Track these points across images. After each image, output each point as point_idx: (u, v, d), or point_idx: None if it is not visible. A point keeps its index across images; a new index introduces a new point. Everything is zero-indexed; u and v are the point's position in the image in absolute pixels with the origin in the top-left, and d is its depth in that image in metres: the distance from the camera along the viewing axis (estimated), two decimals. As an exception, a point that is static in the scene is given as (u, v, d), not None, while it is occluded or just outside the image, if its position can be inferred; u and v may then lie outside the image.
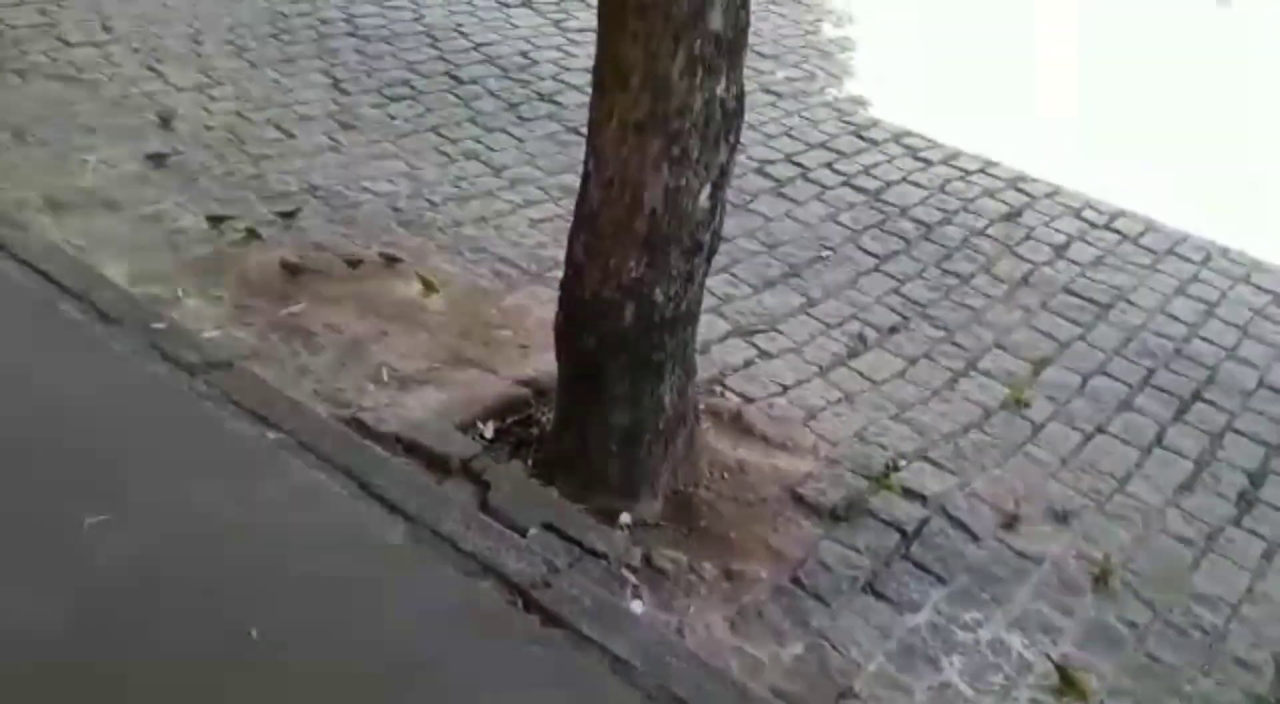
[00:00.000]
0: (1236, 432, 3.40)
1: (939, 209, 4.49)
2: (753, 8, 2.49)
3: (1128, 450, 3.23)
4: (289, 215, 3.74)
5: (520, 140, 4.56)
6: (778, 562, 2.61)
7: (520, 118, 4.75)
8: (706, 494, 2.78)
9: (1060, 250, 4.31)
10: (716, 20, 2.36)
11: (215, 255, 3.46)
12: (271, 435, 2.71)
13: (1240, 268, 4.39)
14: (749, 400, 3.17)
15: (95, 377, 2.81)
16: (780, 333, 3.53)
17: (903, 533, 2.75)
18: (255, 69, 4.73)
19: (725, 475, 2.85)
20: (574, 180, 4.06)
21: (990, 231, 4.37)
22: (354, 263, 3.51)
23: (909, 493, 2.88)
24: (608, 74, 2.45)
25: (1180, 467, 3.21)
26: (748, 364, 3.35)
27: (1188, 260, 4.39)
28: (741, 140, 2.61)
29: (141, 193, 3.71)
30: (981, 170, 4.88)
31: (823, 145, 4.91)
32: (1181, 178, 5.06)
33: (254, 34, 5.04)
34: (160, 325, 3.00)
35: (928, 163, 4.89)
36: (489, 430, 2.93)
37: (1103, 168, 4.99)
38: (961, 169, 4.87)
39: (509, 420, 2.97)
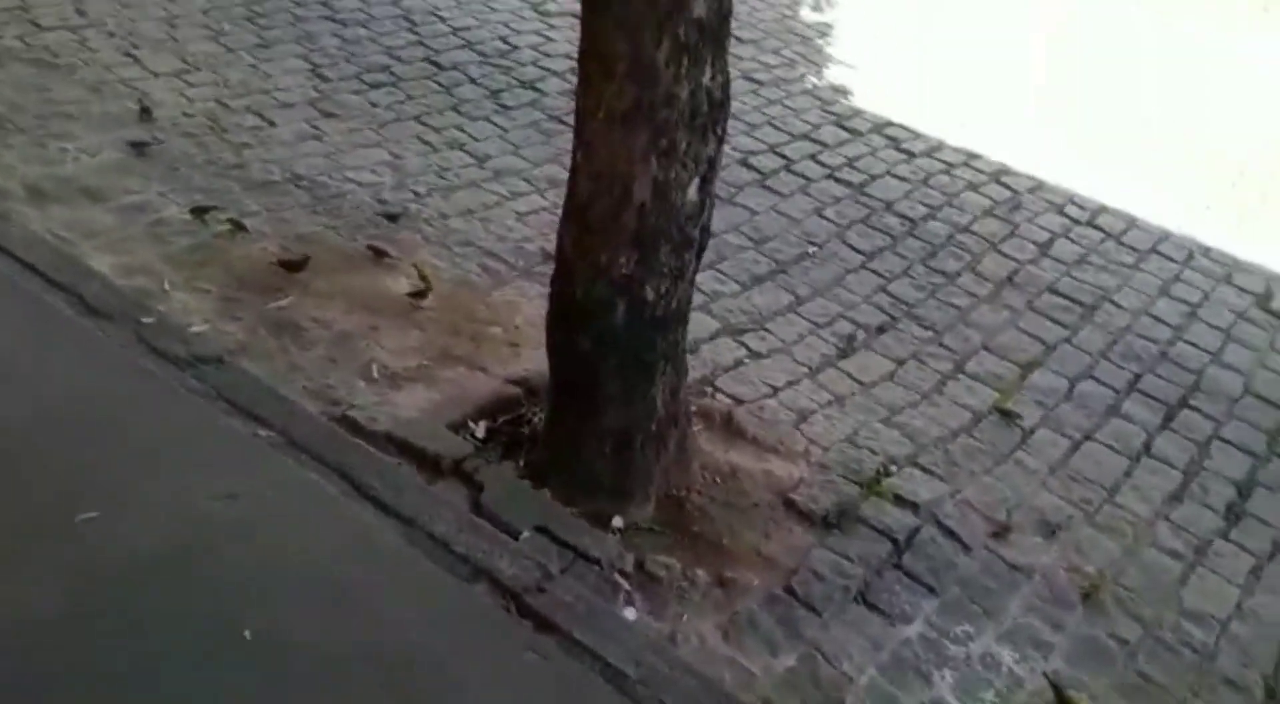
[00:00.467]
0: (1224, 440, 3.44)
1: (923, 204, 4.50)
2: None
3: (1116, 459, 3.26)
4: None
5: (504, 129, 4.53)
6: (770, 569, 2.62)
7: (502, 106, 4.71)
8: (699, 499, 2.79)
9: (1044, 248, 4.34)
10: (699, 7, 2.34)
11: (200, 247, 3.42)
12: (263, 433, 2.69)
13: (1222, 268, 4.45)
14: (740, 402, 3.18)
15: (85, 371, 2.78)
16: (769, 332, 3.53)
17: (894, 542, 2.77)
18: (232, 54, 4.66)
19: (717, 479, 2.86)
20: (559, 171, 4.06)
21: (975, 228, 4.39)
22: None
23: (900, 500, 2.90)
24: (592, 63, 2.43)
25: (1169, 476, 3.24)
26: (738, 364, 3.35)
27: (1170, 259, 4.44)
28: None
29: (124, 182, 3.65)
30: (965, 163, 4.90)
31: (806, 136, 4.90)
32: (1163, 174, 5.11)
33: (229, 18, 4.96)
34: (149, 319, 2.96)
35: (911, 155, 4.90)
36: (480, 430, 2.91)
37: (1084, 162, 5.03)
38: (945, 162, 4.89)
39: (500, 420, 2.96)
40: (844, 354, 3.50)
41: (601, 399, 2.67)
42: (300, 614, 2.26)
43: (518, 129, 4.55)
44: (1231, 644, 2.71)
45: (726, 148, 2.67)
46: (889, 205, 4.46)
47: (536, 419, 2.94)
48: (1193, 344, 3.90)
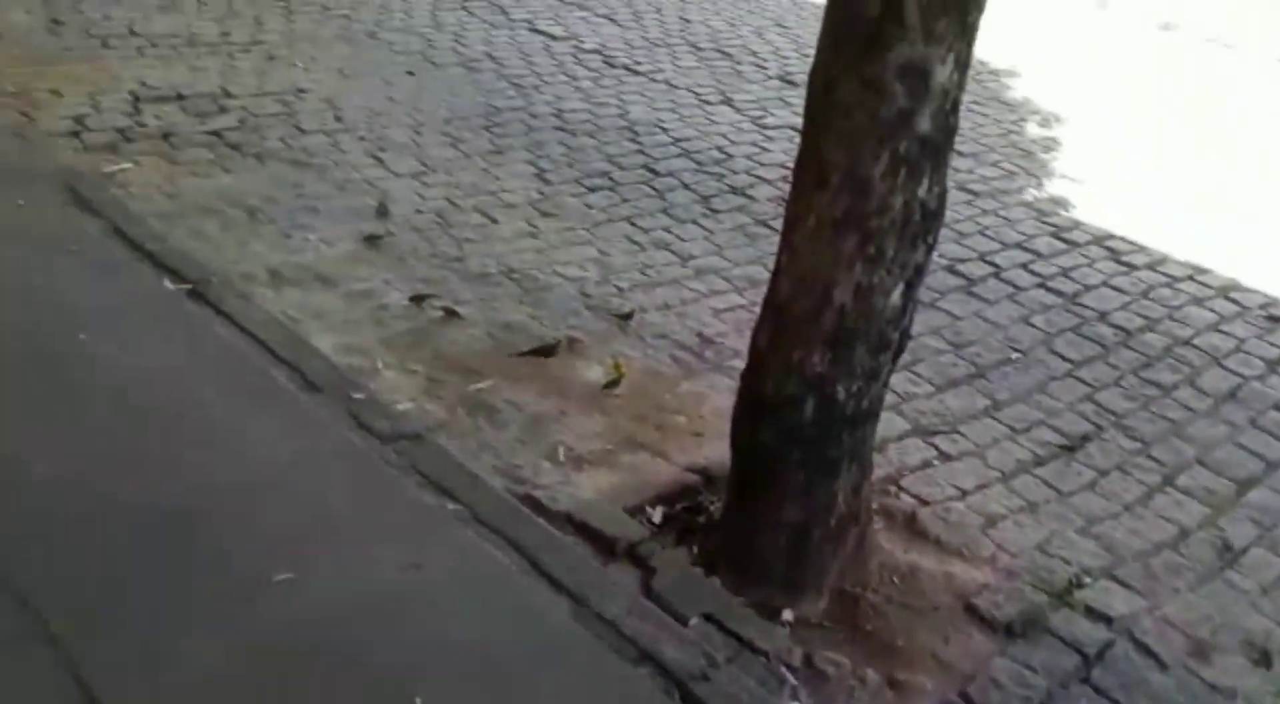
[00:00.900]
0: None
1: (1141, 316, 4.29)
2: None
3: (1341, 586, 2.95)
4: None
5: (710, 232, 4.66)
6: (946, 674, 2.50)
7: (712, 210, 4.85)
8: (874, 597, 2.71)
9: (1274, 365, 4.04)
10: (925, 123, 2.36)
11: (416, 331, 3.66)
12: (450, 506, 2.82)
13: None
14: (925, 503, 3.09)
15: (298, 440, 3.01)
16: (962, 435, 3.43)
17: (1083, 655, 2.59)
18: (467, 159, 5.03)
19: (895, 579, 2.77)
20: (760, 272, 4.14)
21: (1196, 342, 4.13)
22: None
23: (1093, 613, 2.72)
24: (808, 173, 2.48)
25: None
26: (925, 465, 3.27)
27: None
28: (936, 238, 2.59)
29: (355, 270, 3.97)
30: (1190, 277, 4.65)
31: (1019, 245, 4.80)
32: None
33: (469, 126, 5.36)
34: (359, 395, 3.18)
35: (1131, 267, 4.70)
36: (657, 515, 2.95)
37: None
38: (1168, 275, 4.66)
39: (678, 507, 2.98)
40: (1041, 461, 3.34)
41: (781, 492, 2.67)
42: (470, 684, 2.31)
43: (724, 232, 4.67)
44: None
45: (934, 254, 2.66)
46: (1103, 316, 4.27)
47: (714, 508, 2.95)
48: None
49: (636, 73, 6.39)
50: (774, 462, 2.65)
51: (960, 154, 5.57)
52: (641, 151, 5.36)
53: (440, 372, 3.46)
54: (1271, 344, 4.19)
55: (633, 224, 4.65)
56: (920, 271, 2.54)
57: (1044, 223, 5.04)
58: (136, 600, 2.37)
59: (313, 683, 2.25)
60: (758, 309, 2.70)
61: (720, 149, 5.51)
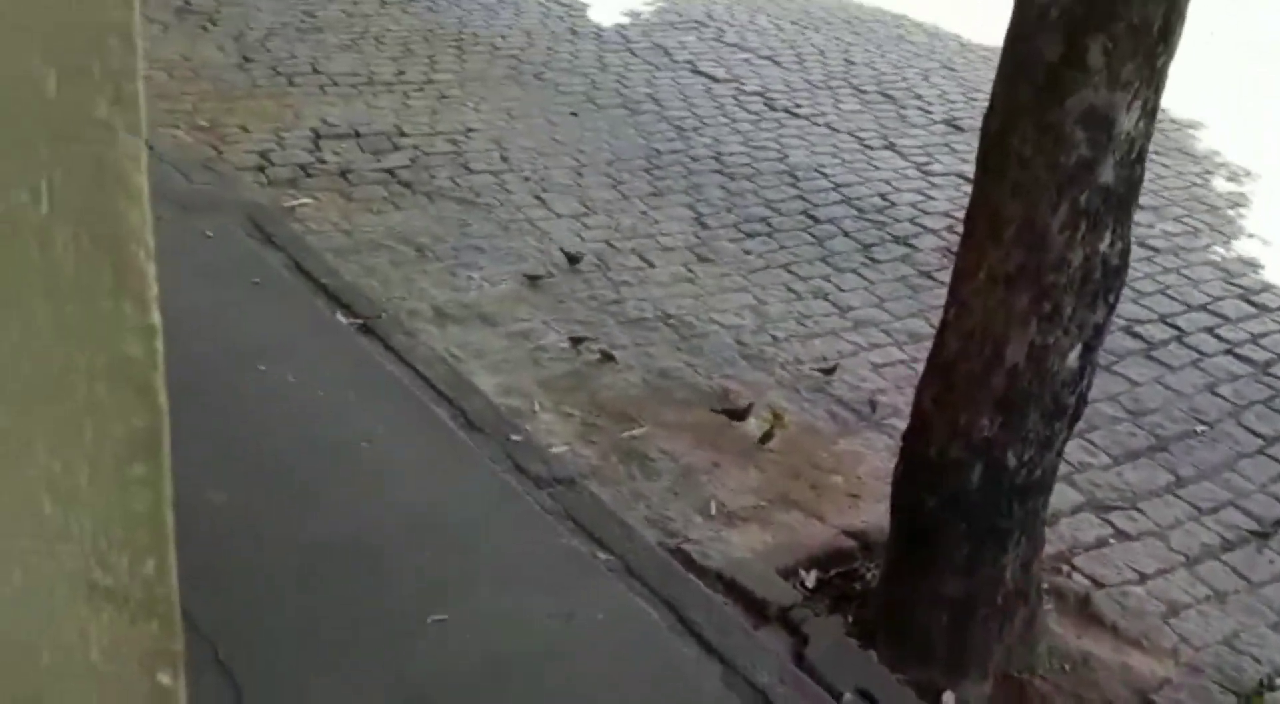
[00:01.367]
0: None
1: (1341, 389, 3.98)
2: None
3: None
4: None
5: (870, 282, 4.55)
6: (1120, 775, 2.34)
7: (872, 259, 4.74)
8: (1042, 685, 2.56)
9: None
10: (1108, 174, 2.24)
11: (572, 373, 3.68)
12: (602, 556, 2.80)
13: None
14: (1100, 585, 2.91)
15: (457, 479, 3.05)
16: (1141, 513, 3.23)
17: (1275, 766, 2.39)
18: (627, 201, 5.06)
19: (1066, 667, 2.62)
20: (922, 326, 4.02)
21: (1405, 420, 3.81)
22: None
23: (1286, 719, 2.51)
24: (980, 224, 2.39)
25: None
26: (1101, 544, 3.09)
27: None
28: (1116, 298, 2.45)
29: (516, 310, 4.03)
30: (1393, 348, 4.29)
31: (1204, 307, 4.53)
32: None
33: (629, 168, 5.40)
34: (517, 437, 3.21)
35: (1329, 336, 4.37)
36: (811, 580, 2.87)
37: None
38: (1369, 345, 4.31)
39: (832, 572, 2.90)
40: (1230, 547, 3.11)
41: (945, 563, 2.56)
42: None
43: (885, 282, 4.55)
44: None
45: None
46: (1298, 387, 3.98)
47: (870, 575, 2.85)
48: None
49: (797, 116, 6.33)
50: (937, 531, 2.55)
51: (1140, 207, 5.30)
52: (801, 197, 5.29)
53: (595, 416, 3.46)
54: None
55: (790, 272, 4.58)
56: (1100, 332, 2.41)
57: (1232, 284, 4.75)
58: (299, 633, 2.42)
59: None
60: (918, 365, 2.62)
61: (883, 196, 5.39)
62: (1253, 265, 4.97)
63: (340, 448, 3.06)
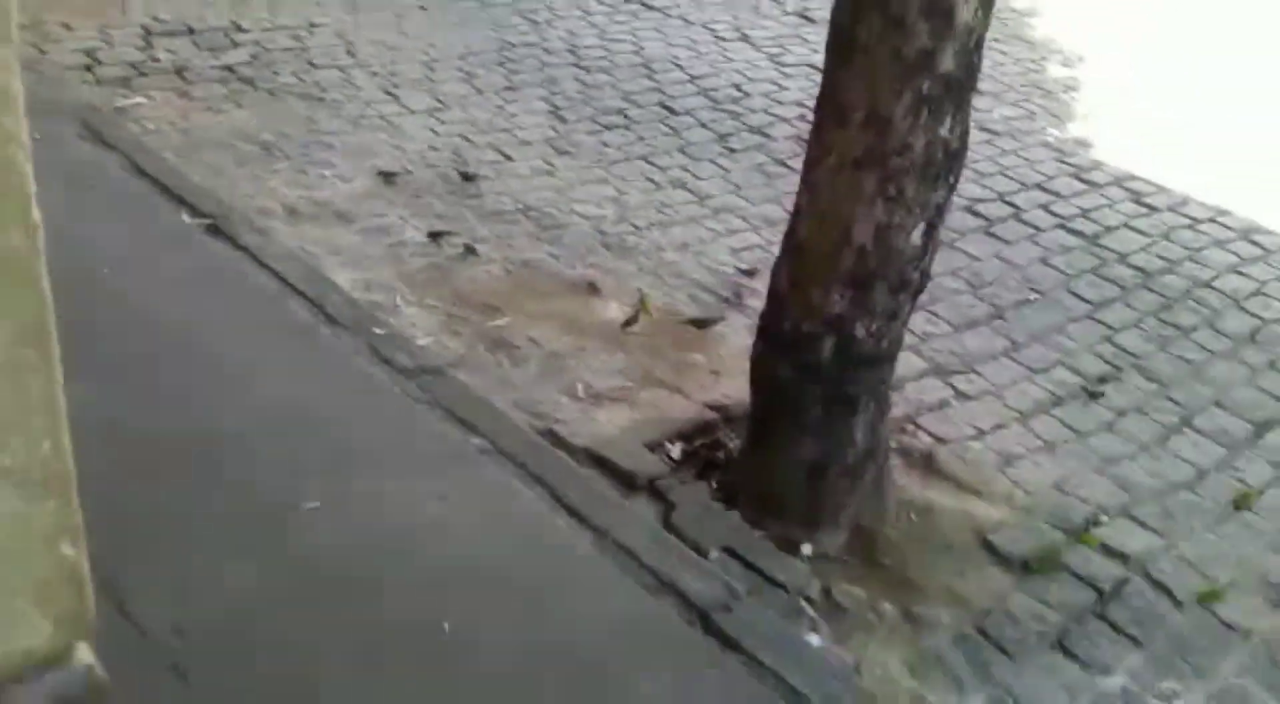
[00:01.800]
0: None
1: (1161, 257, 4.27)
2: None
3: (1359, 528, 2.97)
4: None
5: (727, 170, 4.62)
6: (962, 608, 2.54)
7: (729, 149, 4.81)
8: (892, 533, 2.74)
9: (1294, 307, 4.02)
10: (948, 62, 2.33)
11: (433, 268, 3.66)
12: (474, 440, 2.83)
13: None
14: (942, 442, 3.10)
15: (319, 374, 3.02)
16: (979, 375, 3.44)
17: (1099, 591, 2.62)
18: (481, 96, 4.98)
19: (912, 516, 2.80)
20: (777, 211, 4.12)
21: (1216, 284, 4.12)
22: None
23: (1108, 550, 2.75)
24: (829, 111, 2.46)
25: None
26: (943, 405, 3.28)
27: None
28: (955, 178, 2.57)
29: (371, 206, 3.96)
30: (1211, 219, 4.61)
31: (1039, 186, 4.76)
32: None
33: (483, 62, 5.30)
34: (380, 331, 3.19)
35: (1152, 209, 4.66)
36: (676, 451, 2.97)
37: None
38: (1189, 217, 4.62)
39: (697, 443, 3.00)
40: (1058, 401, 3.35)
41: (800, 429, 2.68)
42: (496, 612, 2.34)
43: (741, 171, 4.63)
44: None
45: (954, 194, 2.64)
46: (1123, 257, 4.25)
47: (733, 444, 2.97)
48: None
49: (652, 8, 6.30)
50: (793, 399, 2.66)
51: (980, 93, 5.49)
52: (657, 89, 5.30)
53: (459, 308, 3.46)
54: (1291, 286, 4.17)
55: (649, 163, 4.61)
56: (941, 212, 2.53)
57: (1064, 163, 4.99)
58: (170, 529, 2.40)
59: (342, 608, 2.29)
60: (775, 249, 2.70)
61: (737, 87, 5.44)
62: (1084, 145, 5.22)
63: (194, 347, 2.99)
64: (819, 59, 2.47)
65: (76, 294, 3.06)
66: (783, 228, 2.67)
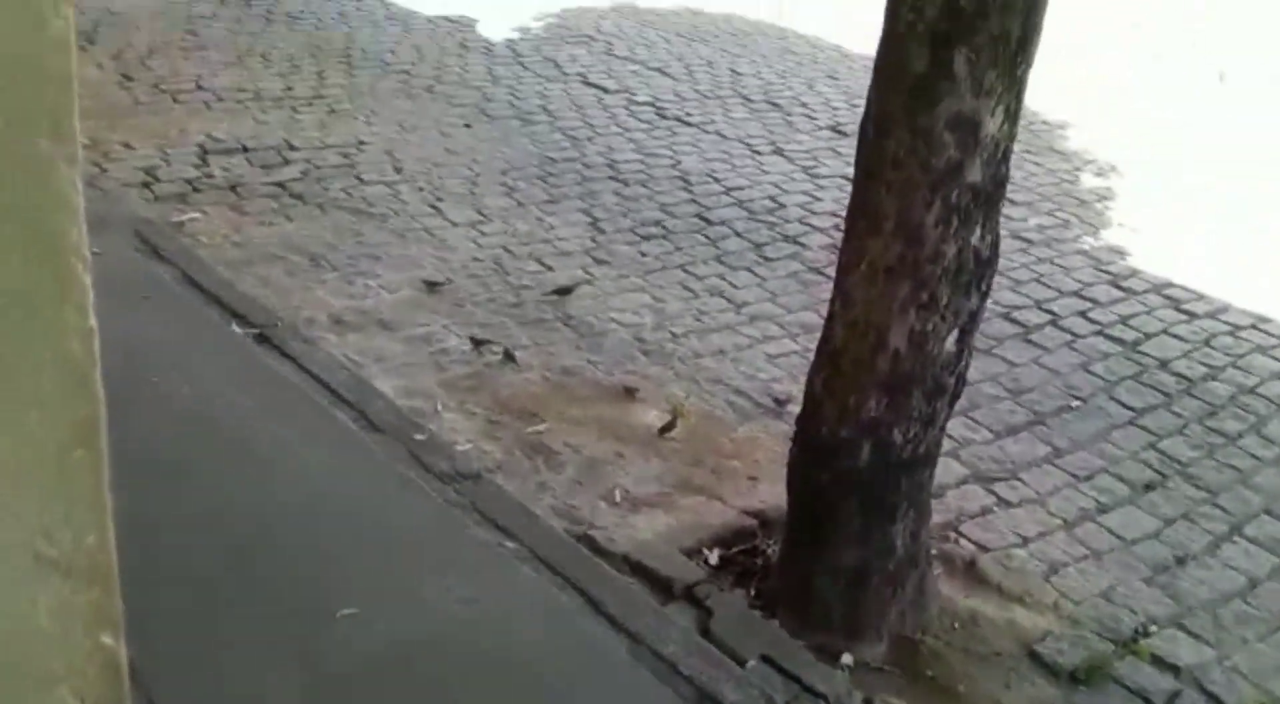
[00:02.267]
0: None
1: (1203, 364, 4.24)
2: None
3: None
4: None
5: (763, 279, 4.68)
6: (1009, 721, 2.47)
7: (764, 257, 4.88)
8: (934, 643, 2.68)
9: (1342, 414, 3.96)
10: (976, 173, 2.37)
11: (474, 375, 3.71)
12: (510, 545, 2.84)
13: None
14: (985, 549, 3.05)
15: (361, 478, 3.06)
16: (1022, 482, 3.40)
17: (1149, 704, 2.54)
18: (523, 208, 5.11)
19: (956, 625, 2.74)
20: (814, 319, 4.15)
21: (1261, 390, 4.07)
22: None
23: (1159, 662, 2.67)
24: (860, 220, 2.50)
25: None
26: (985, 512, 3.24)
27: None
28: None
29: (415, 315, 4.05)
30: (1253, 326, 4.58)
31: (1076, 293, 4.77)
32: None
33: (524, 176, 5.46)
34: (420, 436, 3.23)
35: (1191, 315, 4.65)
36: (714, 557, 2.95)
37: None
38: (1230, 324, 4.60)
39: (734, 549, 2.99)
40: (1105, 508, 3.29)
41: (839, 536, 2.66)
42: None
43: (777, 279, 4.69)
44: None
45: (989, 302, 2.66)
46: (1164, 364, 4.23)
47: (770, 550, 2.95)
48: None
49: (688, 124, 6.47)
50: (831, 506, 2.65)
51: (1014, 202, 5.57)
52: (694, 201, 5.41)
53: (498, 414, 3.50)
54: (1338, 392, 4.11)
55: (687, 271, 4.69)
56: (975, 318, 2.55)
57: (1101, 271, 5.01)
58: (205, 630, 2.40)
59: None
60: (812, 355, 2.72)
61: (772, 198, 5.55)
62: (1120, 253, 5.24)
63: (238, 452, 3.05)
64: (851, 170, 2.52)
65: (128, 399, 3.16)
66: (819, 334, 2.69)
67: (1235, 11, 9.44)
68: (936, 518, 2.94)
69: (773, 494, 3.07)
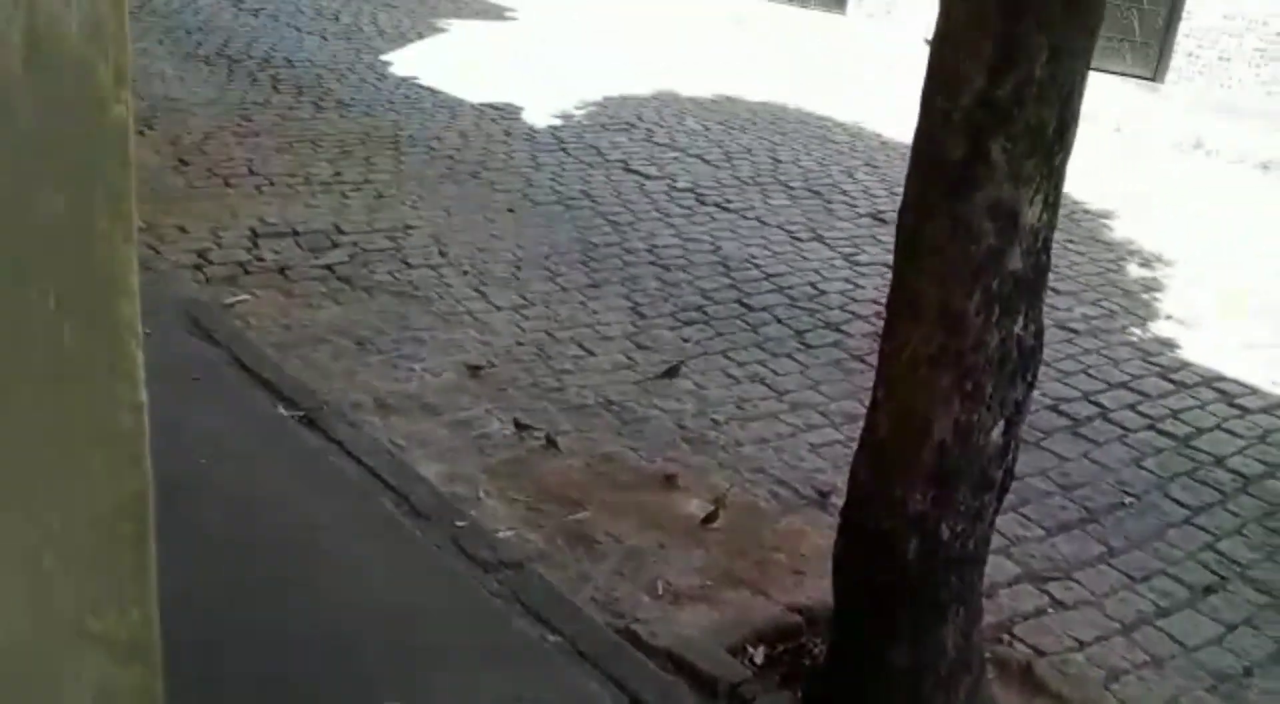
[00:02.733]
0: None
1: (1259, 461, 4.14)
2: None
3: None
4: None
5: (805, 366, 4.66)
6: None
7: (806, 344, 4.86)
8: (991, 751, 2.58)
9: (1407, 514, 3.84)
10: (1016, 261, 2.35)
11: (516, 460, 3.69)
12: (551, 638, 2.79)
13: None
14: (1041, 654, 2.96)
15: (402, 566, 3.03)
16: (1077, 582, 3.31)
17: (1220, 824, 2.42)
18: (565, 293, 5.14)
19: (1012, 733, 2.64)
20: (857, 408, 4.11)
21: (1321, 489, 3.97)
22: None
23: (1227, 777, 2.56)
24: (902, 308, 2.48)
25: None
26: (1039, 613, 3.15)
27: None
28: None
29: (458, 400, 4.05)
30: (1309, 422, 4.49)
31: (1125, 385, 4.70)
32: None
33: (566, 262, 5.50)
34: (463, 523, 3.20)
35: (1245, 410, 4.56)
36: (759, 656, 2.88)
37: None
38: (1285, 419, 4.50)
39: (780, 648, 2.91)
40: (1164, 613, 3.18)
41: (888, 635, 2.58)
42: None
43: (819, 366, 4.66)
44: None
45: (1036, 393, 2.62)
46: (1219, 460, 4.14)
47: (818, 650, 2.87)
48: None
49: (728, 210, 6.52)
50: (878, 603, 2.58)
51: (1058, 292, 5.54)
52: (735, 287, 5.42)
53: (540, 501, 3.47)
54: (1401, 492, 3.99)
55: (727, 357, 4.67)
56: (1021, 409, 2.50)
57: (1150, 363, 4.94)
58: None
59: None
60: (855, 445, 2.67)
61: (813, 285, 5.55)
62: (1169, 345, 5.18)
63: (282, 539, 3.03)
64: (891, 258, 2.51)
65: (175, 479, 3.16)
66: (861, 424, 2.65)
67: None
68: (989, 618, 2.86)
69: (818, 589, 3.00)
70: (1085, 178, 6.93)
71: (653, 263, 5.61)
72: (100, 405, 0.99)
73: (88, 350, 0.98)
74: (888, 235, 6.26)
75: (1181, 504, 3.81)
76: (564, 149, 7.36)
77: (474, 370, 4.28)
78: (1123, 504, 3.77)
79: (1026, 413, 2.54)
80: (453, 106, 8.01)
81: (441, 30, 10.85)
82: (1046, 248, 2.42)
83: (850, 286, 5.56)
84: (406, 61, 9.25)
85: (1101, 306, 5.60)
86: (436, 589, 2.95)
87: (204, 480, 3.21)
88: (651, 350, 4.66)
